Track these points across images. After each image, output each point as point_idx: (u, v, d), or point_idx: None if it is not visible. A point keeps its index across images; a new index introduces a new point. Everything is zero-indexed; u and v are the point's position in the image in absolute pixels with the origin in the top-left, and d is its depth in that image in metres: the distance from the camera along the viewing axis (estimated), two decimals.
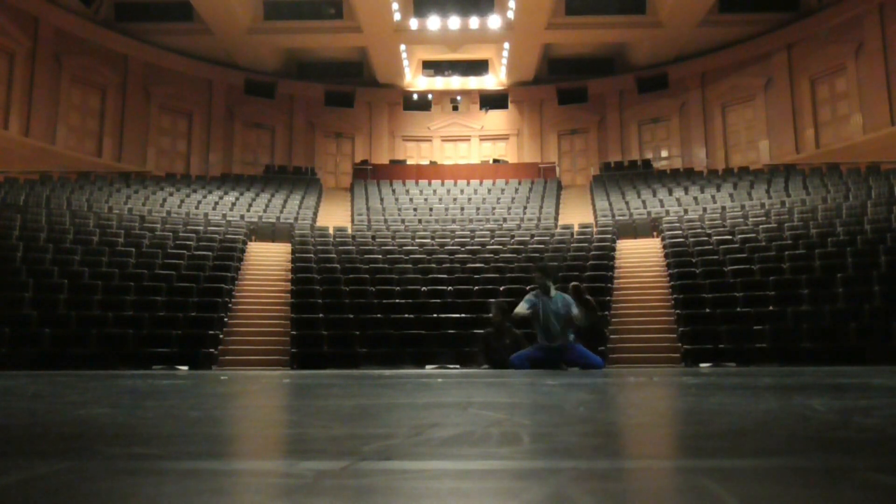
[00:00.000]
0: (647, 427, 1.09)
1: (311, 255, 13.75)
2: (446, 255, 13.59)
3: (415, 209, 18.58)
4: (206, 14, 20.41)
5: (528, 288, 7.62)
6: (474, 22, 21.65)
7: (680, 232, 14.50)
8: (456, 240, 14.95)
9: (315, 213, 18.66)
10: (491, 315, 7.78)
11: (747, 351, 9.55)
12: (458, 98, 25.30)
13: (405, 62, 23.78)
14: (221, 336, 10.65)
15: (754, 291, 10.79)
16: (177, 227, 14.77)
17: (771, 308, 10.34)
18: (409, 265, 12.97)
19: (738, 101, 22.57)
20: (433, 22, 21.52)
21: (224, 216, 16.86)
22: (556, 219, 17.96)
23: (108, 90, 21.38)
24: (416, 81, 25.19)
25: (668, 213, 16.69)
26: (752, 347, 9.62)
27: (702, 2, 19.79)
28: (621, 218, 16.89)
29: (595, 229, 15.96)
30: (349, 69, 24.79)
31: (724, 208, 16.23)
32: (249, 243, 15.00)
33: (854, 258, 11.25)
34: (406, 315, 10.96)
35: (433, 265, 12.95)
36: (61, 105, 20.09)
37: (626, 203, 18.15)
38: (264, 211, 17.90)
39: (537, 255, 13.47)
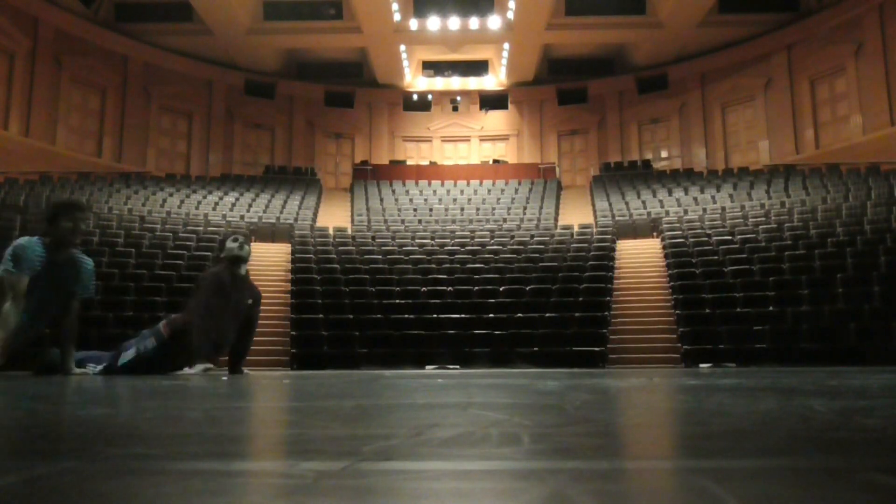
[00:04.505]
0: (647, 427, 1.09)
1: (311, 256, 13.75)
2: (446, 256, 13.59)
3: (415, 210, 18.59)
4: (206, 14, 20.42)
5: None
6: (474, 22, 21.65)
7: (680, 232, 14.50)
8: (456, 240, 14.95)
9: (315, 214, 18.66)
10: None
11: (747, 351, 9.55)
12: (458, 98, 25.31)
13: (405, 63, 23.79)
14: None
15: (754, 292, 10.79)
16: (177, 228, 14.77)
17: (771, 308, 10.35)
18: (409, 265, 12.98)
19: (737, 101, 22.57)
20: (433, 22, 21.53)
21: (224, 217, 16.86)
22: (555, 219, 17.97)
23: (108, 90, 21.38)
24: (416, 82, 25.20)
25: (667, 213, 16.70)
26: (751, 348, 9.62)
27: (702, 2, 19.80)
28: (621, 218, 16.89)
29: (595, 230, 15.97)
30: (349, 69, 24.80)
31: (723, 209, 16.23)
32: None
33: (854, 258, 11.25)
34: (406, 315, 10.96)
35: (433, 265, 12.96)
36: (61, 105, 20.10)
37: (626, 203, 18.16)
38: (264, 211, 17.91)
39: (537, 255, 13.48)
